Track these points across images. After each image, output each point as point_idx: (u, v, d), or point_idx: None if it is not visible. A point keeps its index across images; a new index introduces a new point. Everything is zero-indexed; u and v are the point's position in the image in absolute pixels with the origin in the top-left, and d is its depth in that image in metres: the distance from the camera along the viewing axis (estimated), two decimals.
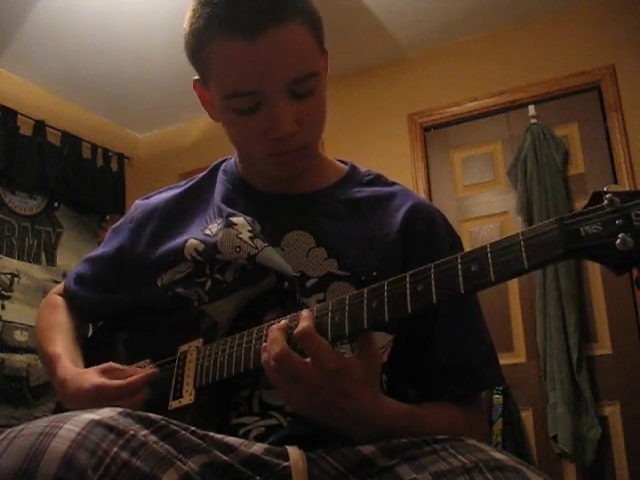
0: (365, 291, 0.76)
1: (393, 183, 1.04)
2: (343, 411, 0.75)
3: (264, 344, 0.78)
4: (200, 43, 0.88)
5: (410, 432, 0.77)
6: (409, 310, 0.71)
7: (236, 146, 0.99)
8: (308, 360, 0.74)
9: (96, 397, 0.89)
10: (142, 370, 0.93)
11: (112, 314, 1.10)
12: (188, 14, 0.90)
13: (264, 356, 0.77)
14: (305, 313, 0.77)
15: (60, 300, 1.14)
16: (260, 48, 0.83)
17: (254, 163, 0.99)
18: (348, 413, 0.75)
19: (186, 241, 0.97)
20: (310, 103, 0.89)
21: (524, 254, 0.64)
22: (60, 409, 0.98)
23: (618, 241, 0.58)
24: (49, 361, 1.01)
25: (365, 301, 0.75)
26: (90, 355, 1.04)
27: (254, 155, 0.94)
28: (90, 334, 1.13)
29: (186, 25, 0.90)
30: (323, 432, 0.81)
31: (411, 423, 0.80)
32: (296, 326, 0.76)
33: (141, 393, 0.90)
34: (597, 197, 0.62)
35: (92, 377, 0.92)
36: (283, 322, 0.78)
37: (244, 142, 0.94)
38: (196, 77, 0.96)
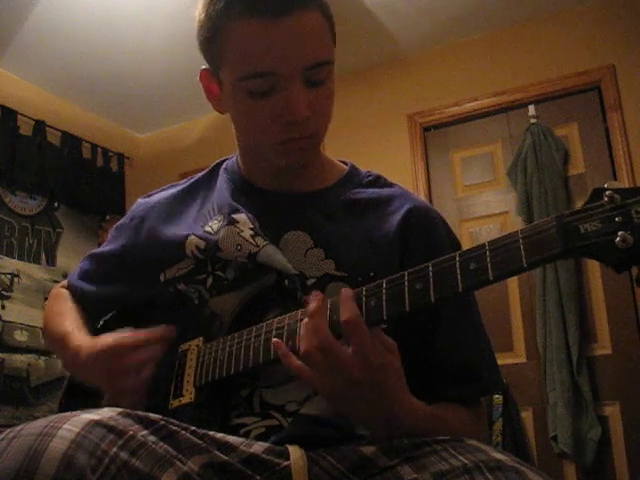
0: (363, 289, 0.75)
1: (393, 184, 1.04)
2: (375, 407, 0.74)
3: (276, 340, 0.77)
4: (218, 25, 0.87)
5: (431, 432, 0.77)
6: (407, 308, 0.71)
7: (244, 135, 0.98)
8: (351, 350, 0.72)
9: (113, 353, 0.90)
10: (156, 329, 0.94)
11: (115, 309, 1.10)
12: (202, 0, 0.90)
13: (281, 347, 0.76)
14: (346, 296, 0.74)
15: (66, 292, 1.14)
16: (282, 30, 0.83)
17: (257, 157, 0.99)
18: (379, 409, 0.75)
19: (186, 237, 0.97)
20: (321, 92, 0.89)
21: (523, 252, 0.63)
22: (62, 409, 0.98)
23: (618, 239, 0.58)
24: (60, 339, 1.01)
25: (363, 299, 0.74)
26: None
27: (262, 143, 0.93)
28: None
29: (201, 10, 0.90)
30: (323, 432, 0.80)
31: (433, 424, 0.80)
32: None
33: (157, 347, 0.91)
34: (597, 194, 0.61)
35: (109, 337, 0.94)
36: (317, 304, 0.75)
37: (254, 129, 0.93)
38: (204, 67, 0.95)
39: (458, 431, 0.80)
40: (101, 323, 1.12)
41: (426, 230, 0.96)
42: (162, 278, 0.99)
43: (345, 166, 1.06)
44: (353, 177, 1.03)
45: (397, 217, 0.96)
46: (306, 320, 0.75)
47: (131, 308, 1.07)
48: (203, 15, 0.90)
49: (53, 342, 1.06)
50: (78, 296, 1.13)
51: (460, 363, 0.91)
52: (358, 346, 0.71)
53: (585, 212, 0.61)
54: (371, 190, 1.01)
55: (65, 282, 1.17)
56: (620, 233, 0.58)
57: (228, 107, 0.95)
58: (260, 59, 0.85)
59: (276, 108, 0.87)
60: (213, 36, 0.89)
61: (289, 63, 0.85)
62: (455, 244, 1.00)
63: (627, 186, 0.60)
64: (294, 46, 0.84)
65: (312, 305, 0.76)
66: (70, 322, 1.04)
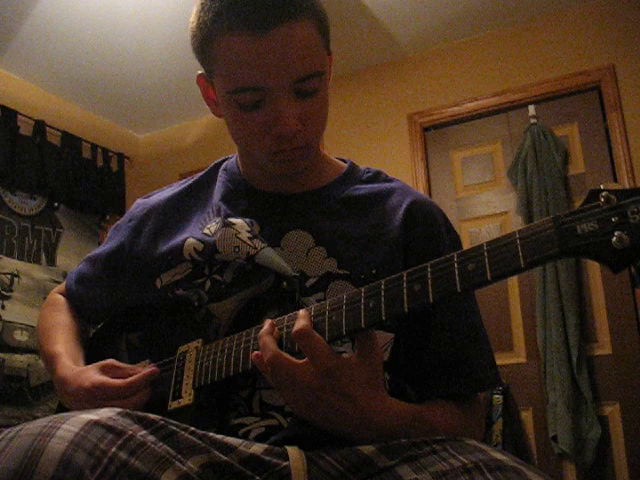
0: (362, 290, 0.75)
1: (392, 179, 1.04)
2: (344, 414, 0.75)
3: (256, 352, 0.78)
4: (207, 37, 0.87)
5: (413, 433, 0.77)
6: (405, 309, 0.71)
7: (237, 143, 0.98)
8: (304, 361, 0.74)
9: (96, 396, 0.89)
10: (142, 369, 0.93)
11: (113, 314, 1.10)
12: (196, 8, 0.89)
13: (260, 362, 0.77)
14: (302, 312, 0.77)
15: (62, 299, 1.14)
16: (268, 44, 0.82)
17: (255, 161, 0.99)
18: (349, 415, 0.75)
19: (185, 240, 0.97)
20: (313, 103, 0.88)
21: (520, 252, 0.63)
22: (62, 409, 0.98)
23: (614, 239, 0.58)
24: (49, 360, 1.01)
25: (362, 300, 0.74)
26: (91, 354, 1.04)
27: (255, 152, 0.93)
28: (92, 333, 1.13)
29: (193, 19, 0.89)
30: (323, 433, 0.80)
31: (414, 423, 0.79)
32: (292, 325, 0.76)
33: (142, 392, 0.90)
34: (593, 195, 0.61)
35: (93, 375, 0.91)
36: (268, 325, 0.79)
37: (246, 139, 0.93)
38: (200, 71, 0.95)
39: (444, 430, 0.80)
40: (95, 330, 1.11)
41: (428, 225, 0.96)
42: (158, 284, 0.98)
43: (344, 164, 1.06)
44: (352, 174, 1.03)
45: (398, 212, 0.96)
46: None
47: (127, 313, 1.07)
48: (195, 24, 0.89)
49: (44, 359, 1.06)
50: (74, 300, 1.13)
51: (456, 358, 0.91)
52: (310, 353, 0.74)
53: (582, 212, 0.61)
54: (371, 186, 1.01)
55: (62, 286, 1.17)
56: (617, 233, 0.58)
57: (223, 113, 0.95)
58: (247, 74, 0.84)
59: (266, 121, 0.87)
60: (204, 46, 0.88)
61: (277, 77, 0.84)
62: (455, 238, 1.00)
63: (624, 186, 0.60)
64: (282, 60, 0.83)
65: (264, 327, 0.79)
66: (60, 342, 1.03)
